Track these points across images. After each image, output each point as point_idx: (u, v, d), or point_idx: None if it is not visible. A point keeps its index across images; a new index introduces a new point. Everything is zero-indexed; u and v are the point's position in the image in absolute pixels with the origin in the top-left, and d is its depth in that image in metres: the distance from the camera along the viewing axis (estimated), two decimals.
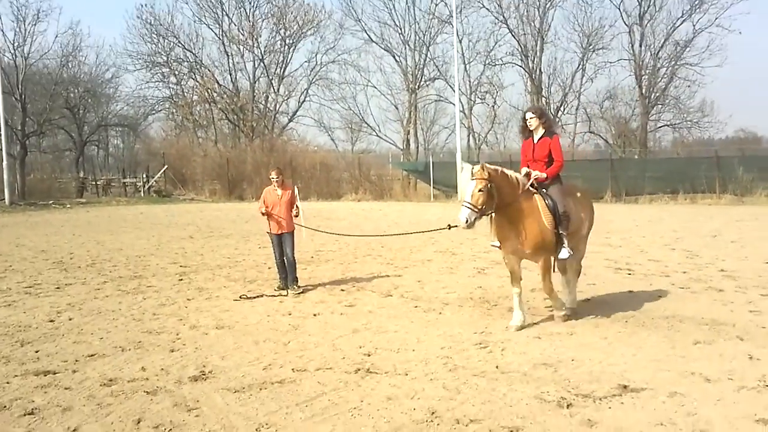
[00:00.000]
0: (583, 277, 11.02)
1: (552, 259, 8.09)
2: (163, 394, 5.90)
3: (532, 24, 47.73)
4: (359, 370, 6.42)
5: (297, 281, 10.57)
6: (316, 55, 51.56)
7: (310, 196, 36.21)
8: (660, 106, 48.41)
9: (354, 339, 7.55)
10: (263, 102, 51.56)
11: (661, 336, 7.35)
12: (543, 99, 48.18)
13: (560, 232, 7.84)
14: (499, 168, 7.97)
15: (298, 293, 10.28)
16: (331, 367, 6.54)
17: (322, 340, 7.55)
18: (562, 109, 49.18)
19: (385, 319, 8.48)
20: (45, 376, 6.49)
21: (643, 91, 47.07)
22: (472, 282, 10.90)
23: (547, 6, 47.40)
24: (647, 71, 47.04)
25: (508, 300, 9.28)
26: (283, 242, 10.57)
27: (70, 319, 8.90)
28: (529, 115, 8.30)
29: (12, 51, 43.91)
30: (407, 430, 4.97)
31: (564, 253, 7.91)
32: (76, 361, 6.98)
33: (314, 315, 8.88)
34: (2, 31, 41.24)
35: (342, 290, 10.53)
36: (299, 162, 39.72)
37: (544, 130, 8.20)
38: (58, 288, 11.24)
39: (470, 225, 7.57)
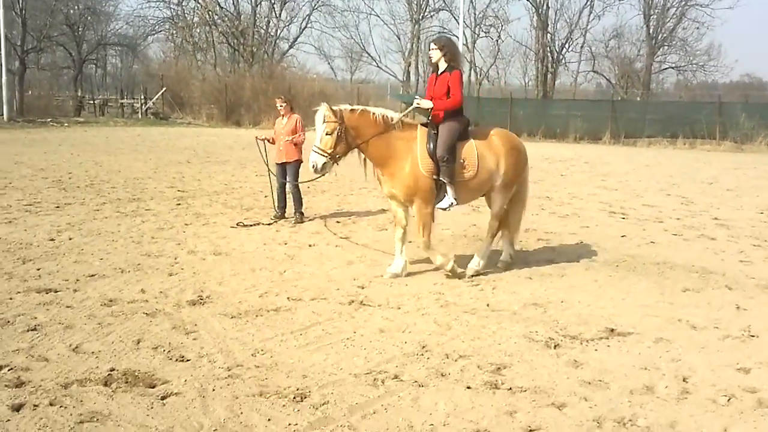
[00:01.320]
0: (577, 219, 11.21)
1: (429, 207, 7.41)
2: (162, 317, 6.04)
3: None
4: (353, 302, 6.57)
5: (303, 214, 10.67)
6: None
7: (309, 125, 35.94)
8: (666, 47, 47.94)
9: (348, 271, 7.69)
10: (264, 27, 50.82)
11: (651, 282, 7.51)
12: (548, 35, 47.53)
13: (440, 179, 7.28)
14: (358, 107, 7.51)
15: (296, 223, 10.38)
16: (326, 298, 6.69)
17: (317, 270, 7.69)
18: (567, 46, 48.71)
19: (380, 252, 8.61)
20: (47, 293, 6.62)
21: (651, 31, 46.48)
22: (467, 219, 11.00)
23: None
24: (656, 11, 46.36)
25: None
26: (287, 172, 10.61)
27: (70, 239, 9.00)
28: (431, 46, 7.72)
29: None
30: (398, 362, 5.13)
31: (444, 202, 7.38)
32: (77, 280, 7.11)
33: (310, 246, 9.01)
34: None
35: (337, 222, 10.64)
36: (298, 90, 39.23)
37: (446, 64, 7.51)
38: (57, 207, 11.32)
39: (321, 170, 7.34)
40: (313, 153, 7.28)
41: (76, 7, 48.77)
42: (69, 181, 14.43)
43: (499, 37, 49.91)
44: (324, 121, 7.23)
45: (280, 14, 51.12)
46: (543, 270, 7.92)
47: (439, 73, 7.56)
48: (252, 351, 5.29)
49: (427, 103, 7.49)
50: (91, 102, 47.35)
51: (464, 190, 7.46)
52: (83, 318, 5.97)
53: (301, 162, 10.51)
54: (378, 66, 51.16)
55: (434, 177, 7.26)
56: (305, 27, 52.26)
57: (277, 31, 51.54)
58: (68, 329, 5.68)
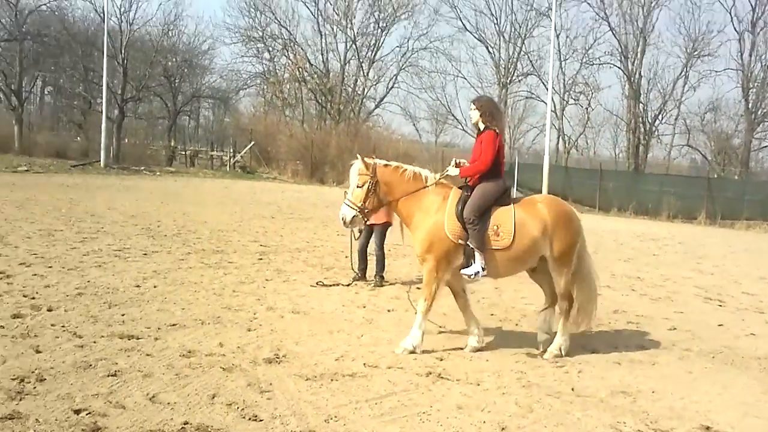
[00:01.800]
0: (670, 303, 10.75)
1: (440, 273, 7.01)
2: (238, 373, 6.02)
3: (635, 23, 46.23)
4: (430, 373, 6.39)
5: (383, 278, 10.59)
6: (407, 41, 51.84)
7: None
8: (767, 123, 46.00)
9: (427, 341, 7.51)
10: (352, 85, 51.93)
11: (752, 377, 7.01)
12: (641, 105, 46.68)
13: (467, 244, 6.90)
14: (392, 163, 7.38)
15: (375, 286, 10.31)
16: (403, 367, 6.53)
17: (395, 337, 7.55)
18: (660, 117, 47.58)
19: (460, 324, 8.42)
20: (129, 340, 6.71)
21: (750, 105, 44.67)
22: None
23: (653, 5, 45.71)
24: (756, 84, 44.48)
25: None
26: (373, 234, 10.60)
27: (155, 287, 9.17)
28: (471, 106, 7.42)
29: (118, 16, 45.45)
30: None
31: (471, 268, 6.94)
32: (159, 328, 7.20)
33: (388, 311, 8.90)
34: None
35: (418, 288, 10.47)
36: (383, 150, 39.54)
37: (484, 125, 7.23)
38: (145, 254, 11.61)
39: (349, 224, 7.26)
40: (343, 205, 7.20)
41: (174, 60, 51.02)
42: (157, 229, 14.82)
43: (589, 104, 49.28)
44: (357, 174, 7.16)
45: (367, 73, 52.23)
46: (633, 356, 7.51)
47: (478, 134, 7.36)
48: (325, 417, 5.18)
49: (453, 171, 7.29)
50: (183, 152, 49.04)
51: (499, 260, 6.99)
52: (162, 367, 6.00)
53: (389, 225, 10.47)
54: (463, 129, 51.28)
55: (460, 241, 6.93)
56: (392, 87, 53.16)
57: (364, 89, 52.60)
58: (147, 378, 5.71)
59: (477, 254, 6.91)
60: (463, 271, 7.03)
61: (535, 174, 35.65)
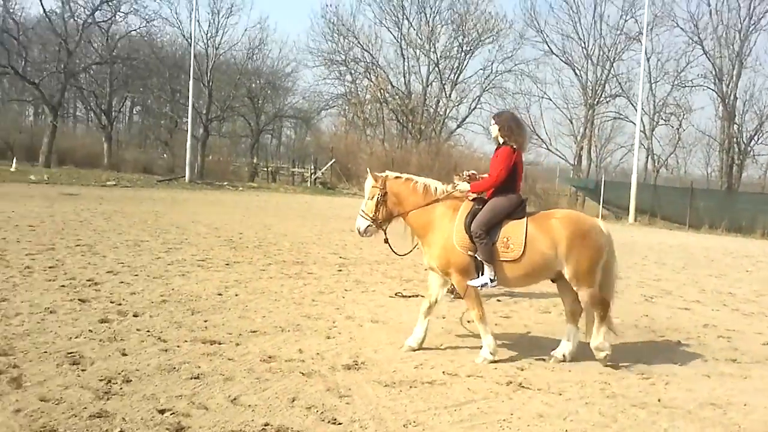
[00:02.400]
0: (764, 318, 10.28)
1: (462, 282, 7.06)
2: (317, 378, 6.04)
3: (731, 47, 44.64)
4: (511, 382, 6.27)
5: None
6: (492, 64, 51.15)
7: None
8: None
9: (507, 351, 7.40)
10: (433, 106, 51.91)
11: None
12: (735, 126, 45.23)
13: (475, 255, 6.91)
14: (404, 175, 7.51)
15: (455, 298, 10.21)
16: (482, 376, 6.44)
17: (474, 347, 7.45)
18: (756, 138, 45.92)
19: (542, 334, 8.27)
20: (211, 345, 6.84)
21: None
22: (638, 309, 10.37)
23: (750, 30, 44.32)
24: None
25: (677, 332, 8.83)
26: None
27: (236, 295, 9.33)
28: (491, 121, 7.42)
29: (205, 41, 47.04)
30: None
31: (477, 281, 6.96)
32: (240, 335, 7.31)
33: (468, 322, 8.79)
34: (198, 22, 44.12)
35: (498, 301, 10.36)
36: (463, 168, 39.47)
37: (502, 140, 7.19)
38: (227, 264, 11.84)
39: (363, 233, 7.45)
40: (359, 217, 7.46)
41: (258, 82, 52.21)
42: (239, 241, 15.10)
43: (680, 125, 47.98)
44: (369, 187, 7.41)
45: (450, 95, 52.04)
46: (723, 369, 7.20)
47: (496, 149, 7.32)
48: (404, 422, 5.14)
49: (464, 186, 7.28)
50: (265, 169, 50.08)
51: (509, 272, 6.96)
52: (243, 371, 6.07)
53: None
54: (548, 148, 50.39)
55: (470, 253, 6.93)
56: (474, 107, 52.72)
57: (446, 110, 52.42)
58: (228, 381, 5.79)
59: (486, 266, 6.90)
60: (469, 282, 7.02)
61: (622, 192, 35.25)
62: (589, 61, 48.39)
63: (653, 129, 47.88)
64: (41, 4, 43.49)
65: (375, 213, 7.34)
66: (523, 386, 6.20)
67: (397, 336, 7.71)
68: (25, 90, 45.92)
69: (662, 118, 47.98)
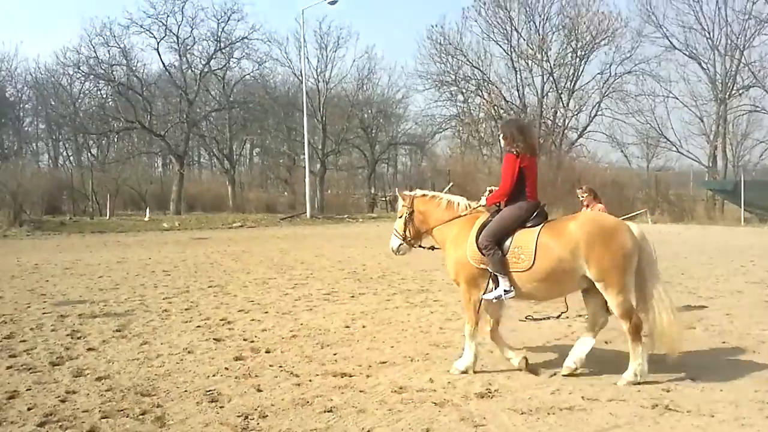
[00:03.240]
0: None
1: (474, 296, 7.02)
2: (450, 407, 5.91)
3: None
4: (657, 405, 5.91)
5: None
6: (610, 67, 48.92)
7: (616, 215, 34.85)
8: None
9: (651, 372, 7.02)
10: (551, 118, 50.54)
11: None
12: None
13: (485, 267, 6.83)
14: (430, 193, 7.78)
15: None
16: (625, 399, 6.11)
17: (614, 370, 7.10)
18: None
19: (687, 353, 7.80)
20: (342, 377, 6.85)
21: None
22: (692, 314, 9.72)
23: None
24: None
25: None
26: None
27: (363, 327, 9.36)
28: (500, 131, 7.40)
29: (315, 77, 48.41)
30: None
31: (491, 293, 6.84)
32: (370, 366, 7.30)
33: (606, 342, 8.44)
34: (307, 58, 45.43)
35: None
36: (588, 180, 38.09)
37: (507, 148, 7.14)
38: (352, 296, 11.94)
39: (396, 252, 7.77)
40: (393, 236, 7.80)
41: (369, 111, 53.03)
42: (363, 273, 15.22)
43: None
44: (400, 206, 7.74)
45: (567, 104, 50.36)
46: None
47: None
48: None
49: (483, 200, 7.33)
50: (383, 198, 50.54)
51: (525, 283, 6.75)
52: (375, 403, 6.04)
53: None
54: (678, 151, 47.81)
55: (482, 266, 6.87)
56: (595, 115, 50.74)
57: (565, 121, 50.80)
58: (361, 413, 5.77)
59: (500, 278, 6.78)
60: (483, 296, 6.96)
61: (765, 192, 32.84)
62: (716, 52, 45.29)
63: None
64: (160, 59, 45.86)
65: (404, 231, 7.64)
66: (670, 409, 5.84)
67: (531, 361, 7.45)
68: (152, 142, 48.73)
69: None
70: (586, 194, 10.39)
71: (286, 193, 51.72)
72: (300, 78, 45.32)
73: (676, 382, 6.64)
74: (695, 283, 13.51)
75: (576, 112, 50.94)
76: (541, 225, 6.84)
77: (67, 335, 8.84)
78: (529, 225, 6.86)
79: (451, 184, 35.18)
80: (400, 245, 7.73)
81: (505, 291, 6.79)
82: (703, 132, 46.26)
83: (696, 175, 46.57)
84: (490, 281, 6.90)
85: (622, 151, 52.43)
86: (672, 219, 34.56)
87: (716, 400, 6.07)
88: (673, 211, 35.48)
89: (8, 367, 7.21)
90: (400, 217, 7.70)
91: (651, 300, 6.64)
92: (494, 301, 6.94)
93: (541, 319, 9.84)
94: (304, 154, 43.38)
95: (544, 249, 6.63)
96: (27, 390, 6.43)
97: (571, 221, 6.83)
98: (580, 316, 9.92)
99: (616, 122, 50.77)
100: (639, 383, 6.48)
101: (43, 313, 10.34)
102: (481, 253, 6.82)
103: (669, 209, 35.80)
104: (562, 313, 10.10)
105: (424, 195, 7.73)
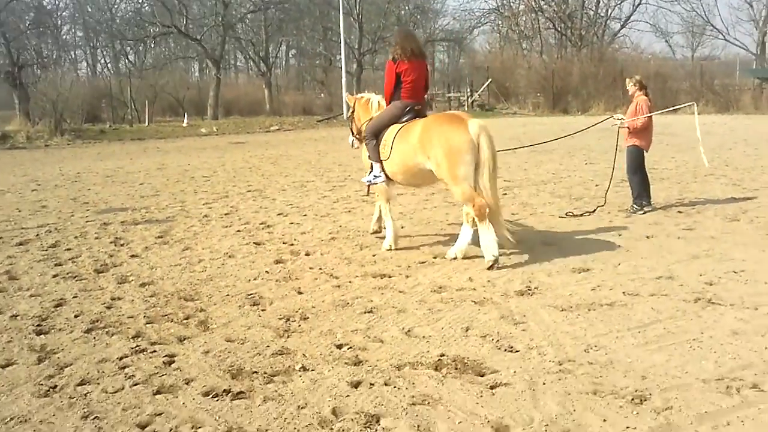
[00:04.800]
0: None
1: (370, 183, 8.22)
2: (489, 305, 5.92)
3: None
4: (699, 299, 5.85)
5: (639, 207, 9.83)
6: None
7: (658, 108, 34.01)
8: None
9: (693, 266, 6.91)
10: (593, 8, 48.85)
11: None
12: None
13: None
14: (365, 96, 8.72)
15: (634, 213, 9.67)
16: (667, 294, 6.05)
17: (656, 264, 7.02)
18: None
19: (731, 245, 7.65)
20: (381, 278, 6.88)
21: None
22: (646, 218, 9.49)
23: None
24: None
25: None
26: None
27: (402, 227, 9.31)
28: None
29: None
30: (757, 369, 4.39)
31: (365, 177, 8.24)
32: (408, 266, 7.31)
33: (647, 237, 8.31)
34: None
35: (679, 212, 9.72)
36: (631, 72, 36.83)
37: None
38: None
39: (353, 146, 9.10)
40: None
41: (406, 8, 51.66)
42: None
43: None
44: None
45: None
46: None
47: None
48: (584, 346, 4.92)
49: (383, 102, 8.32)
50: None
51: (389, 171, 7.85)
52: (414, 303, 6.06)
53: (638, 148, 9.79)
54: (725, 39, 45.99)
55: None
56: (639, 3, 49.14)
57: (607, 11, 49.13)
58: (401, 313, 5.80)
59: (374, 164, 7.94)
60: (362, 179, 8.44)
61: None
62: None
63: None
64: None
65: (351, 128, 8.95)
66: (713, 302, 5.77)
67: (570, 258, 7.41)
68: (188, 47, 48.23)
69: None
70: (633, 85, 10.04)
71: (322, 95, 51.21)
72: None
73: (718, 275, 6.54)
74: (740, 174, 13.19)
75: (619, 2, 49.37)
76: (407, 122, 7.71)
77: (111, 242, 8.99)
78: (403, 121, 7.76)
79: (489, 80, 34.54)
80: (352, 140, 9.03)
81: (374, 176, 7.93)
82: (752, 18, 44.32)
83: (743, 63, 44.93)
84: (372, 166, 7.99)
85: (666, 41, 51.25)
86: (717, 110, 33.54)
87: (760, 292, 5.98)
88: (719, 101, 34.30)
89: (54, 276, 7.38)
90: (349, 117, 9.04)
91: (485, 193, 7.07)
92: (367, 183, 8.20)
93: (581, 215, 9.70)
94: (340, 54, 42.64)
95: (399, 143, 7.59)
96: (73, 297, 6.58)
97: (421, 121, 7.56)
98: (588, 213, 9.81)
99: (660, 11, 49.42)
100: (496, 264, 7.05)
101: (87, 222, 10.51)
102: (365, 143, 8.10)
103: (714, 99, 34.61)
104: (597, 206, 9.97)
105: (360, 98, 8.76)
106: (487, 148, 7.04)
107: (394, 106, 7.87)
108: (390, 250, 7.97)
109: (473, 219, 7.23)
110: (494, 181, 7.16)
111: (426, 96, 8.38)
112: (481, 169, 7.05)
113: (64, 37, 57.91)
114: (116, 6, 53.40)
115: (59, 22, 54.99)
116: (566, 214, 9.79)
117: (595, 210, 9.88)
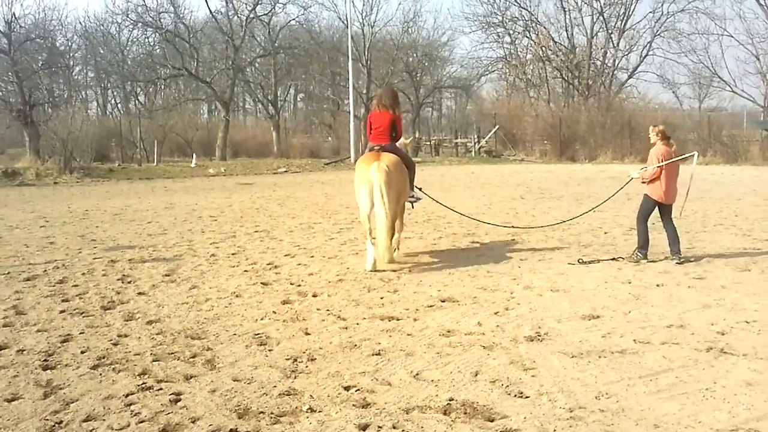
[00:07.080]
0: None
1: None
2: (499, 351, 5.86)
3: None
4: (711, 348, 5.79)
5: (638, 255, 9.75)
6: (662, 5, 47.36)
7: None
8: None
9: (704, 315, 6.86)
10: (600, 58, 49.16)
11: None
12: None
13: None
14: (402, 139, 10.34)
15: (680, 262, 9.55)
16: (678, 343, 5.99)
17: (666, 312, 6.97)
18: None
19: (742, 295, 7.60)
20: (389, 321, 6.83)
21: None
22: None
23: None
24: None
25: None
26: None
27: (410, 271, 9.30)
28: None
29: (360, 20, 47.79)
30: None
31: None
32: (417, 310, 7.26)
33: (657, 285, 8.26)
34: (353, 2, 45.00)
35: (690, 261, 9.69)
36: (638, 122, 36.93)
37: None
38: None
39: None
40: None
41: (414, 55, 52.31)
42: (407, 217, 15.07)
43: None
44: None
45: (618, 44, 48.89)
46: None
47: None
48: (595, 393, 4.86)
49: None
50: (428, 143, 50.17)
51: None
52: (423, 346, 6.01)
53: (648, 198, 9.79)
54: (732, 91, 46.13)
55: None
56: (646, 55, 49.38)
57: (614, 61, 49.42)
58: (409, 356, 5.75)
59: None
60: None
61: None
62: None
63: None
64: (207, 5, 45.63)
65: None
66: (725, 352, 5.71)
67: (580, 304, 7.37)
68: (198, 89, 48.81)
69: None
70: (656, 135, 9.97)
71: (330, 139, 51.62)
72: (345, 22, 44.86)
73: (730, 325, 6.48)
74: (749, 224, 13.15)
75: (626, 53, 49.71)
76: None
77: (118, 280, 8.98)
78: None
79: (497, 127, 34.78)
80: None
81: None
82: (759, 70, 44.57)
83: (750, 115, 45.08)
84: None
85: (673, 92, 51.19)
86: (725, 160, 33.59)
87: None
88: (726, 152, 34.34)
89: (61, 311, 7.36)
90: None
91: (373, 219, 9.23)
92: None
93: (590, 262, 9.65)
94: (348, 98, 43.06)
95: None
96: (80, 333, 6.55)
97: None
98: (622, 258, 9.77)
99: (667, 62, 49.48)
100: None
101: (94, 258, 10.51)
102: None
103: (722, 150, 34.66)
104: (615, 258, 9.90)
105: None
106: (378, 188, 8.98)
107: (365, 147, 9.83)
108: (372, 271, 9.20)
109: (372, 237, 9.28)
110: (384, 210, 9.00)
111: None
112: (373, 204, 9.14)
113: (76, 77, 58.62)
114: (128, 48, 54.20)
115: (71, 62, 55.69)
116: (578, 261, 9.73)
117: (614, 259, 9.81)
